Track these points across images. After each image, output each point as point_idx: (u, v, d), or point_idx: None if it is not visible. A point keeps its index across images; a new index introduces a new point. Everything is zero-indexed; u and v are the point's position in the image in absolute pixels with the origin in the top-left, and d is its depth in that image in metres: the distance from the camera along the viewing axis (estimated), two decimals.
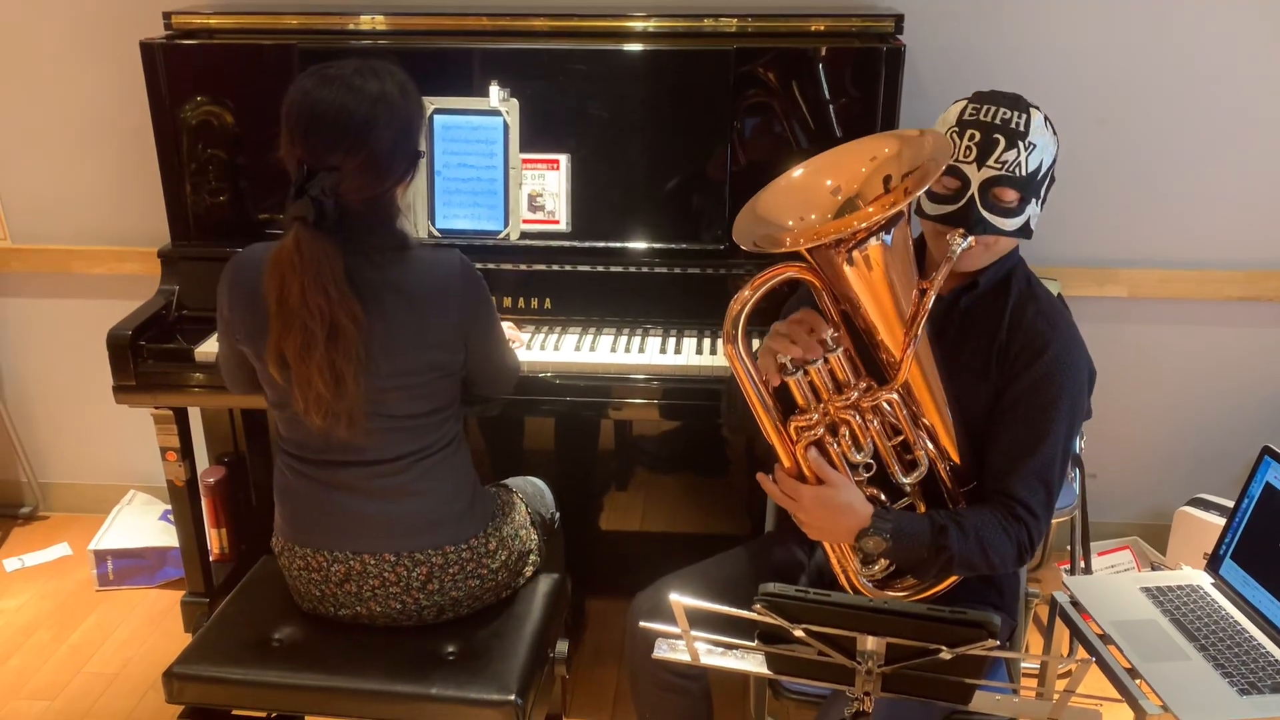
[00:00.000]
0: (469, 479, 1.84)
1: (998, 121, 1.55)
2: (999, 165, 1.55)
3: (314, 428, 1.64)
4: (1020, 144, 1.54)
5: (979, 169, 1.55)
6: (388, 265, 1.65)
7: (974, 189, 1.55)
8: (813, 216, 1.51)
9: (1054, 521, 2.54)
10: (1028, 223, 1.60)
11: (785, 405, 1.57)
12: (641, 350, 2.19)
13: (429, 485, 1.76)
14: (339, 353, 1.58)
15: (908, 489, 1.62)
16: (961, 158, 1.56)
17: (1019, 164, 1.55)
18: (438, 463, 1.77)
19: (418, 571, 1.76)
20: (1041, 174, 1.59)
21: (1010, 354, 1.63)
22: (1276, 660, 1.74)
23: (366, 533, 1.75)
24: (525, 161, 2.25)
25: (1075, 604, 1.89)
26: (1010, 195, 1.56)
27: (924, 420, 1.58)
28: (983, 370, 1.64)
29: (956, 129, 1.58)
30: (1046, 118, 1.59)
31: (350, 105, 1.56)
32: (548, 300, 2.28)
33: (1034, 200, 1.59)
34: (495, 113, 2.23)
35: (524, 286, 2.27)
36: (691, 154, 2.27)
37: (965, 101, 1.60)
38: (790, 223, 1.52)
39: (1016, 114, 1.56)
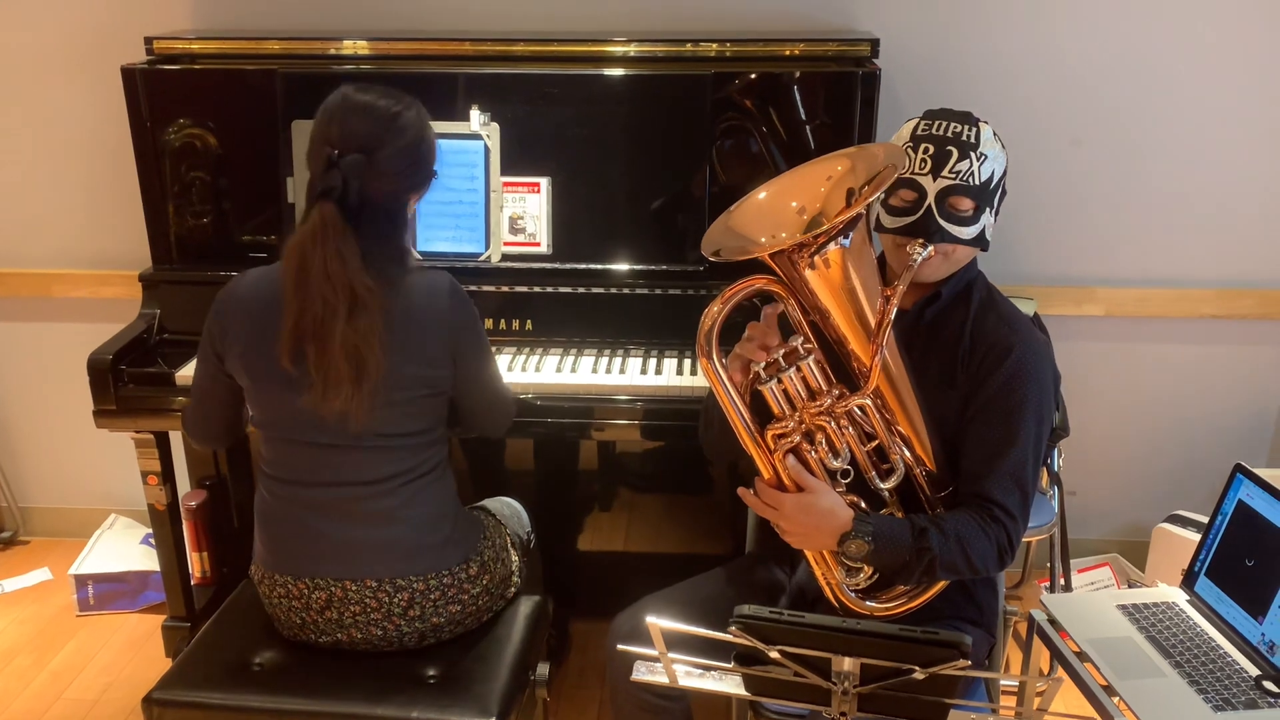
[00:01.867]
0: (452, 506, 1.84)
1: (949, 134, 1.62)
2: (953, 175, 1.61)
3: (330, 415, 1.64)
4: (972, 155, 1.62)
5: (934, 180, 1.62)
6: (389, 271, 1.69)
7: (930, 199, 1.62)
8: (783, 234, 1.55)
9: (1034, 539, 2.56)
10: (983, 232, 1.66)
11: (762, 418, 1.60)
12: (622, 371, 2.20)
13: (412, 511, 1.76)
14: (358, 330, 1.61)
15: (887, 495, 1.65)
16: (917, 170, 1.63)
17: (972, 173, 1.62)
18: (422, 488, 1.77)
19: (399, 598, 1.76)
20: (994, 184, 1.65)
21: (975, 360, 1.67)
22: (1250, 676, 1.75)
23: (348, 558, 1.75)
24: (506, 184, 2.27)
25: (1053, 622, 1.90)
26: (965, 204, 1.63)
27: (898, 428, 1.62)
28: (950, 378, 1.68)
29: (910, 144, 1.65)
30: (995, 132, 1.66)
31: (382, 105, 1.70)
32: (529, 322, 2.29)
33: (988, 209, 1.66)
34: (476, 136, 2.25)
35: (505, 308, 2.28)
36: (671, 176, 2.29)
37: (917, 119, 1.67)
38: (763, 239, 1.57)
39: (967, 127, 1.63)
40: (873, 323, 1.55)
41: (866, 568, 1.63)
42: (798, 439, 1.58)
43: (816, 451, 1.59)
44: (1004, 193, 1.70)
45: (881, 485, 1.63)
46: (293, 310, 1.63)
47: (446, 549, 1.80)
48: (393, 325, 1.67)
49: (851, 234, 1.50)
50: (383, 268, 1.68)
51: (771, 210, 1.59)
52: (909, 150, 1.64)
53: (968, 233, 1.64)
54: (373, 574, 1.75)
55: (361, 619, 1.77)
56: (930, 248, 1.60)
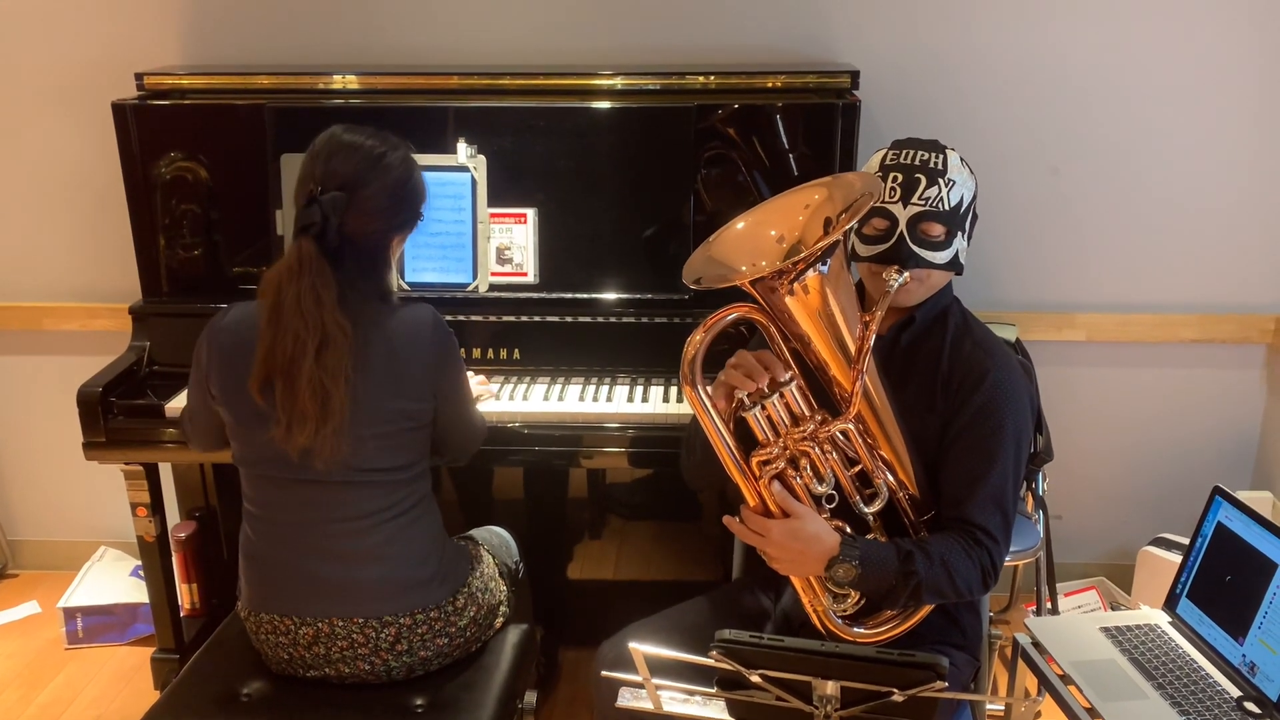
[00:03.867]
0: (438, 541, 1.83)
1: (917, 163, 1.66)
2: (923, 202, 1.65)
3: (294, 450, 1.64)
4: (940, 181, 1.65)
5: (904, 207, 1.66)
6: (370, 308, 1.70)
7: (902, 226, 1.65)
8: (763, 263, 1.57)
9: (1020, 563, 2.58)
10: (956, 256, 1.70)
11: (746, 445, 1.61)
12: (609, 399, 2.22)
13: (397, 549, 1.75)
14: (326, 369, 1.61)
15: (871, 520, 1.66)
16: (887, 199, 1.66)
17: (941, 199, 1.65)
18: (407, 524, 1.76)
19: (386, 633, 1.76)
20: (964, 208, 1.69)
21: (952, 385, 1.70)
22: (1232, 698, 1.76)
23: (334, 596, 1.74)
24: (493, 215, 2.29)
25: (1037, 645, 1.91)
26: (937, 229, 1.66)
27: (880, 452, 1.63)
28: (929, 403, 1.70)
29: (880, 174, 1.68)
30: (962, 158, 1.70)
31: (369, 144, 1.72)
32: (516, 351, 2.31)
33: (960, 234, 1.69)
34: (463, 169, 2.28)
35: (493, 338, 2.30)
36: (656, 207, 2.32)
37: (886, 149, 1.71)
38: (744, 268, 1.59)
39: (934, 155, 1.67)
40: (853, 348, 1.57)
41: (853, 593, 1.64)
42: (782, 465, 1.59)
43: (801, 477, 1.60)
44: (975, 217, 1.73)
45: (866, 509, 1.64)
46: (265, 343, 1.64)
47: (433, 585, 1.79)
48: (374, 360, 1.68)
49: (830, 260, 1.53)
50: (361, 305, 1.69)
51: (751, 239, 1.61)
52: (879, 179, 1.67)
53: (940, 257, 1.67)
54: (359, 612, 1.74)
55: (349, 654, 1.76)
56: (905, 274, 1.62)
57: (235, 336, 1.70)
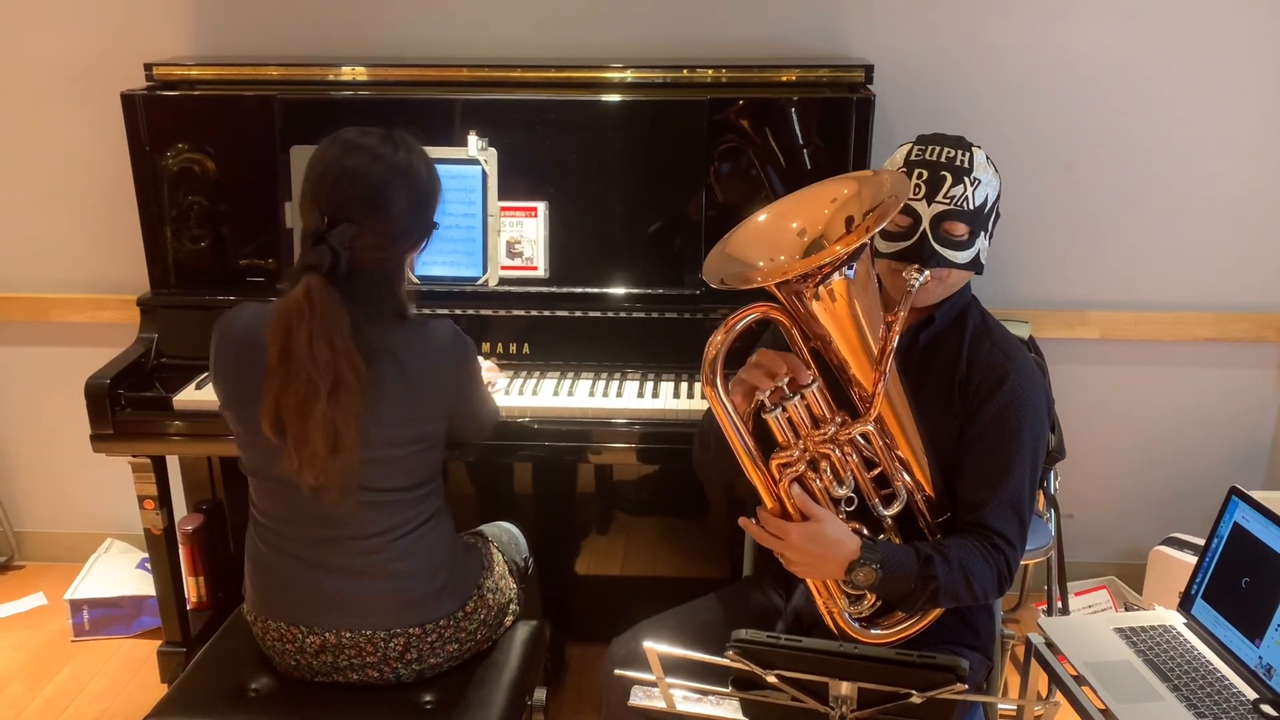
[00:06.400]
0: (449, 552, 1.80)
1: (943, 160, 1.63)
2: (948, 200, 1.62)
3: (305, 487, 1.60)
4: (966, 179, 1.62)
5: (929, 205, 1.62)
6: (386, 330, 1.65)
7: (925, 224, 1.62)
8: (782, 257, 1.55)
9: (1031, 562, 2.57)
10: (978, 256, 1.67)
11: (765, 446, 1.59)
12: (620, 394, 2.21)
13: (407, 565, 1.73)
14: (339, 410, 1.56)
15: (887, 522, 1.64)
16: (911, 195, 1.63)
17: (966, 198, 1.62)
18: (416, 540, 1.74)
19: (394, 644, 1.74)
20: (988, 208, 1.66)
21: (971, 387, 1.67)
22: (1248, 700, 1.75)
23: (342, 610, 1.72)
24: (504, 209, 2.28)
25: (1050, 645, 1.90)
26: (960, 229, 1.63)
27: (898, 453, 1.62)
28: (946, 405, 1.68)
29: (905, 169, 1.65)
30: (988, 156, 1.67)
31: (376, 170, 1.62)
32: (526, 345, 2.30)
33: (982, 234, 1.66)
34: (474, 162, 2.26)
35: (502, 332, 2.29)
36: (667, 201, 2.31)
37: (911, 144, 1.68)
38: (761, 263, 1.57)
39: (960, 152, 1.64)
40: (875, 350, 1.54)
41: (870, 596, 1.63)
42: (802, 468, 1.57)
43: (821, 480, 1.58)
44: (998, 216, 1.71)
45: (884, 512, 1.63)
46: (276, 383, 1.57)
47: (444, 596, 1.77)
48: (389, 386, 1.63)
49: (855, 265, 1.50)
50: (377, 331, 1.63)
51: (771, 231, 1.59)
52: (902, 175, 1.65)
53: (962, 257, 1.65)
54: (367, 624, 1.72)
55: (357, 662, 1.75)
56: (926, 273, 1.60)
57: (247, 342, 1.63)
